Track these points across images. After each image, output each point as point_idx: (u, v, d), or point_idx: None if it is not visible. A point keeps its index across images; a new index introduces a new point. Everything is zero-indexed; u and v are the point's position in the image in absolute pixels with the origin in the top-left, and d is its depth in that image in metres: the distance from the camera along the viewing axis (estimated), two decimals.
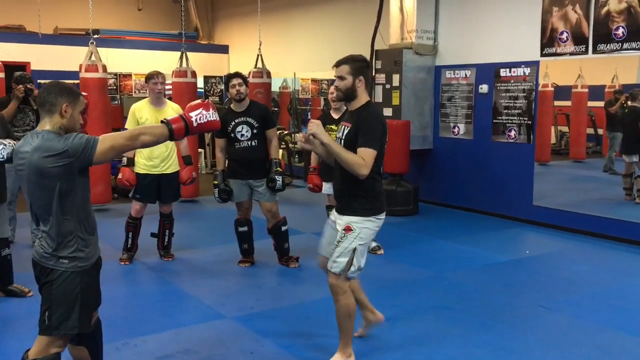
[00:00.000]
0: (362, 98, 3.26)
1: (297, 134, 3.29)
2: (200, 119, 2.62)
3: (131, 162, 5.16)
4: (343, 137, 3.25)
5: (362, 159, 3.08)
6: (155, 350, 3.60)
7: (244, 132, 5.06)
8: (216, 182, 5.14)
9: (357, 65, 3.23)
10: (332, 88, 5.40)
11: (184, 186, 5.53)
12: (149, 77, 5.26)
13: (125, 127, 5.26)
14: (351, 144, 3.17)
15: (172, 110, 5.30)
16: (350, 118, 3.29)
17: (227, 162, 5.22)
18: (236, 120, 5.08)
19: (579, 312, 4.29)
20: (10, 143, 4.12)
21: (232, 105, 5.18)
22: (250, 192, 5.18)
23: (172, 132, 2.57)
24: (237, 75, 5.12)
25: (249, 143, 5.09)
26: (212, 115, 2.65)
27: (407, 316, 4.12)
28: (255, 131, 5.08)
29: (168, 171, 5.31)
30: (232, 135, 5.07)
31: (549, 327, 4.01)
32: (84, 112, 2.68)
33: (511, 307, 4.40)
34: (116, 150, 2.52)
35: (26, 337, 3.07)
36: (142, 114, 5.20)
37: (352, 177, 3.15)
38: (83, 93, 2.79)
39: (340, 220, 3.24)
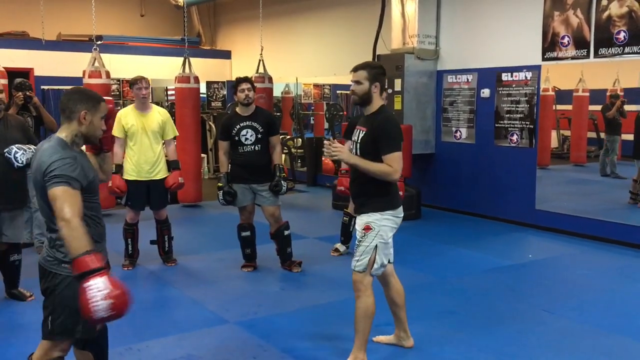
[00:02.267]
0: (377, 104, 3.40)
1: (325, 142, 3.38)
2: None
3: (120, 169, 5.16)
4: (359, 141, 3.38)
5: (390, 166, 3.23)
6: (158, 356, 3.61)
7: (248, 136, 5.08)
8: (220, 185, 5.15)
9: (374, 71, 3.37)
10: None
11: (172, 191, 5.49)
12: (133, 83, 5.25)
13: (112, 134, 5.22)
14: (367, 147, 3.31)
15: (158, 114, 5.30)
16: (365, 122, 3.40)
17: (230, 166, 5.23)
18: (241, 124, 5.09)
19: (582, 317, 4.29)
20: (30, 148, 4.17)
21: (237, 109, 5.20)
22: (254, 197, 5.19)
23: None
24: (246, 80, 5.13)
25: (253, 147, 5.10)
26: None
27: (409, 321, 4.10)
28: (259, 136, 5.10)
29: (157, 177, 5.28)
30: (237, 138, 5.09)
31: (552, 331, 4.01)
32: (107, 117, 2.68)
33: (514, 311, 4.40)
34: (56, 209, 2.37)
35: (31, 341, 3.09)
36: (128, 120, 5.19)
37: (369, 178, 3.30)
38: (107, 98, 2.77)
39: (360, 220, 3.36)
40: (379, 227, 3.30)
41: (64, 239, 2.33)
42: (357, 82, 3.35)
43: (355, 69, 3.38)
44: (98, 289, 2.17)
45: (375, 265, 3.32)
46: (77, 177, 2.44)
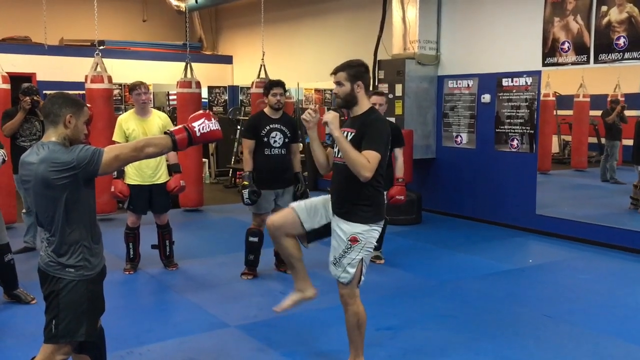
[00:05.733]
0: (364, 104, 3.26)
1: (309, 109, 3.25)
2: (203, 129, 2.65)
3: (121, 174, 5.18)
4: None
5: (367, 161, 3.05)
6: (159, 359, 3.62)
7: (277, 138, 5.09)
8: (246, 183, 5.03)
9: (354, 70, 3.22)
10: None
11: (174, 194, 5.49)
12: (132, 88, 5.26)
13: (113, 139, 5.24)
14: (355, 147, 3.12)
15: (158, 119, 5.33)
16: (353, 124, 3.25)
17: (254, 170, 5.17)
18: (271, 126, 5.10)
19: (582, 321, 4.30)
20: (1, 153, 4.25)
21: (265, 110, 5.19)
22: (274, 204, 5.19)
23: (176, 142, 2.61)
24: (280, 84, 5.14)
25: (280, 151, 5.11)
26: (214, 125, 2.69)
27: (409, 325, 4.13)
28: (286, 140, 5.13)
29: (159, 181, 5.30)
30: (265, 139, 5.07)
31: (552, 335, 4.02)
32: (87, 123, 2.71)
33: (514, 316, 4.41)
34: (121, 161, 2.57)
35: (29, 344, 3.11)
36: (129, 125, 5.21)
37: (356, 184, 3.13)
38: (87, 105, 2.82)
39: (346, 226, 3.18)
40: (366, 239, 3.19)
41: (155, 154, 2.65)
42: (339, 84, 3.22)
43: (335, 71, 3.25)
44: (214, 123, 2.71)
45: (363, 278, 3.25)
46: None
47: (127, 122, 5.24)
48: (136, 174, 5.23)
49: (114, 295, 4.35)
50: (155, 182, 5.28)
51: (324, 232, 3.35)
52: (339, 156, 3.22)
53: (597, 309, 4.58)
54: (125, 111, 12.04)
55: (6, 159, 4.49)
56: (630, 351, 3.81)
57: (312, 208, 3.35)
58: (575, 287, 5.16)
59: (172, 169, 5.36)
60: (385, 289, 4.94)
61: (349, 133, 3.22)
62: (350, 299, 3.25)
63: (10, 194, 6.46)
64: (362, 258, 3.20)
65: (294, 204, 3.42)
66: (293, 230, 3.35)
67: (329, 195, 3.36)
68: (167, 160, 5.39)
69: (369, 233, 3.20)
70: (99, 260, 2.67)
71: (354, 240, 3.17)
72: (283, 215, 3.39)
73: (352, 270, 3.20)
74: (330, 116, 3.10)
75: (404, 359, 3.65)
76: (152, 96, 11.75)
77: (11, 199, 6.63)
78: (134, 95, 5.26)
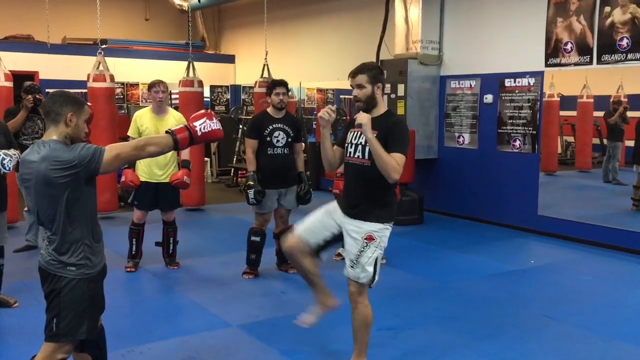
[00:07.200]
0: (382, 106, 3.30)
1: (327, 108, 3.24)
2: (204, 129, 2.66)
3: (131, 164, 5.14)
4: (364, 143, 3.19)
5: (397, 164, 3.07)
6: (160, 358, 3.62)
7: (279, 138, 5.09)
8: (251, 184, 5.02)
9: (373, 72, 3.25)
10: None
11: (173, 185, 5.47)
12: (151, 86, 5.31)
13: (127, 134, 5.28)
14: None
15: (173, 118, 5.33)
16: (373, 125, 3.18)
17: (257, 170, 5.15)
18: (274, 125, 5.09)
19: (583, 322, 4.29)
20: (15, 154, 4.15)
21: (268, 110, 5.20)
22: (277, 204, 5.19)
23: (177, 142, 2.61)
24: (282, 84, 5.14)
25: (283, 150, 5.11)
26: (215, 125, 2.69)
27: (411, 326, 4.13)
28: (289, 140, 5.13)
29: (167, 180, 5.31)
30: (268, 139, 5.07)
31: (553, 337, 4.01)
32: (88, 121, 2.70)
33: (516, 317, 4.41)
34: (122, 160, 2.57)
35: (30, 343, 3.10)
36: (143, 122, 5.23)
37: (375, 184, 3.17)
38: (87, 103, 2.81)
39: (361, 225, 3.20)
40: (380, 237, 3.20)
41: (156, 153, 2.64)
42: (359, 87, 3.21)
43: (354, 74, 3.24)
44: (215, 122, 2.73)
45: (377, 278, 3.23)
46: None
47: (141, 118, 5.27)
48: (145, 171, 5.24)
49: (115, 294, 4.36)
50: (162, 181, 5.29)
51: (332, 241, 3.37)
52: (355, 156, 3.25)
53: (599, 310, 4.57)
54: (127, 110, 12.10)
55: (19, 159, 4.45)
56: (631, 353, 3.80)
57: (315, 224, 3.36)
58: (577, 288, 5.15)
59: (182, 165, 5.36)
60: (387, 289, 4.91)
61: None
62: (359, 298, 3.24)
63: (13, 193, 6.45)
64: (377, 257, 3.21)
65: (298, 230, 3.40)
66: (305, 252, 3.37)
67: (331, 204, 3.39)
68: (178, 157, 5.39)
69: (383, 232, 3.22)
70: (100, 258, 2.67)
71: (370, 238, 3.18)
72: (293, 242, 3.38)
73: (370, 269, 3.20)
74: (365, 118, 3.07)
75: (404, 359, 3.64)
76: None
77: (13, 197, 6.62)
78: (152, 93, 5.30)
